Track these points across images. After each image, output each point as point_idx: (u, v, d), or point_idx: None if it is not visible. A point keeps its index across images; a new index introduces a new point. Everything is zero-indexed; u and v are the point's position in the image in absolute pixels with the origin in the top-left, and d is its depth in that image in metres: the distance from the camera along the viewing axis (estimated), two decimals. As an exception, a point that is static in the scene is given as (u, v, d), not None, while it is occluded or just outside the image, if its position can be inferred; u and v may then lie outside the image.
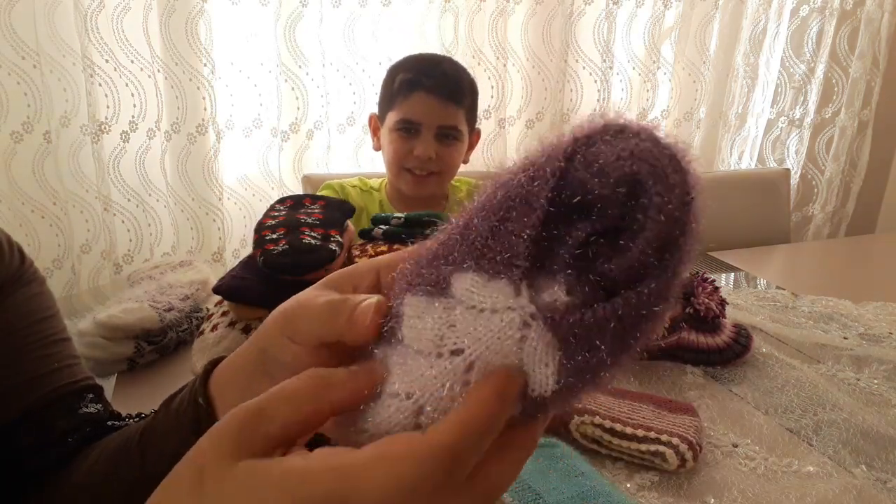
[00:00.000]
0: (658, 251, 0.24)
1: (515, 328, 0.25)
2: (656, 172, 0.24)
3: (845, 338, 1.06)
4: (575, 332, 0.24)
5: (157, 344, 0.97)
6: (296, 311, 0.34)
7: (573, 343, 0.25)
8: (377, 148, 1.38)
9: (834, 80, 2.26)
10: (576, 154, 0.25)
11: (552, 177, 0.25)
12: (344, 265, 0.92)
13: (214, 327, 0.89)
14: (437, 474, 0.24)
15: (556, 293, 0.25)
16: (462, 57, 1.81)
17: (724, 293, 0.98)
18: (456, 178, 1.41)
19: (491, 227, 0.26)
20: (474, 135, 1.37)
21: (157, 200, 1.77)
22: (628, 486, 0.70)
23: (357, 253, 0.93)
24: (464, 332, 0.25)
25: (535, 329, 0.25)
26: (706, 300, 0.94)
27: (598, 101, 1.99)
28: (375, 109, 1.38)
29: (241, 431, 0.26)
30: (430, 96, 1.24)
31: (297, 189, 1.79)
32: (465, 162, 1.38)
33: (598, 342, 0.25)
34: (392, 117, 1.28)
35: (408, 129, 1.26)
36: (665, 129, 0.26)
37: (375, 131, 1.37)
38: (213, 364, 0.44)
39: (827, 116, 2.30)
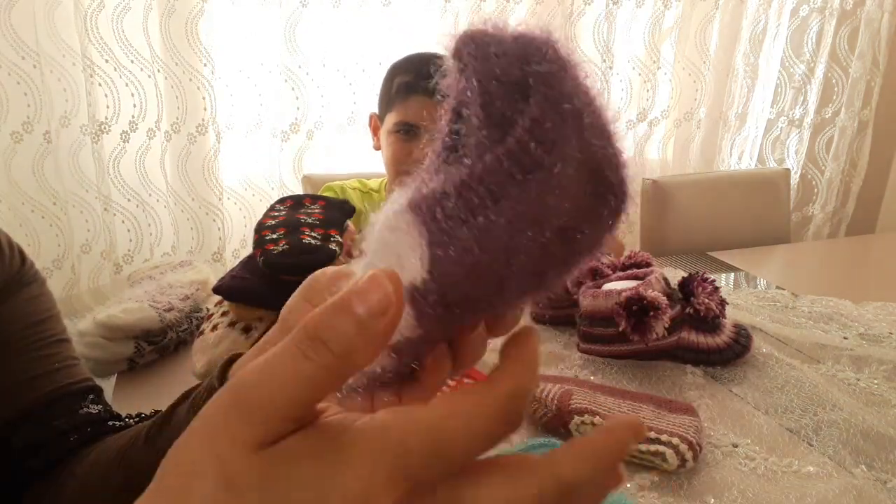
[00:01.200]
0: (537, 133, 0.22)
1: (392, 220, 0.23)
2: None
3: (845, 338, 1.06)
4: (433, 209, 0.22)
5: (157, 344, 0.97)
6: (317, 275, 0.34)
7: (437, 222, 0.22)
8: (377, 147, 1.38)
9: (834, 80, 2.26)
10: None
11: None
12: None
13: (214, 327, 0.89)
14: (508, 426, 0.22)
15: (428, 182, 0.23)
16: (462, 57, 1.81)
17: (724, 293, 0.98)
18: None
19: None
20: None
21: (157, 200, 1.77)
22: (628, 486, 0.70)
23: (357, 253, 0.93)
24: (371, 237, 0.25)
25: (403, 216, 0.23)
26: (706, 300, 0.94)
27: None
28: (375, 108, 1.38)
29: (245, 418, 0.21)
30: (428, 99, 1.24)
31: (297, 189, 1.79)
32: None
33: (463, 219, 0.21)
34: (391, 119, 1.28)
35: (406, 132, 1.26)
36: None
37: (375, 130, 1.37)
38: (234, 358, 0.45)
39: (827, 116, 2.30)
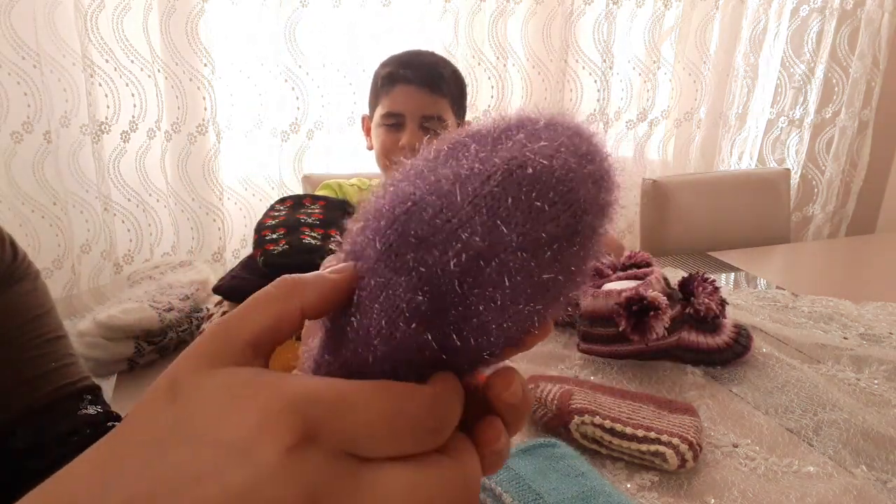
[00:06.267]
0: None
1: None
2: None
3: (845, 338, 1.06)
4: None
5: (157, 344, 0.97)
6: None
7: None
8: (370, 147, 1.38)
9: (834, 80, 2.26)
10: None
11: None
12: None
13: (214, 327, 0.89)
14: (430, 420, 0.23)
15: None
16: (462, 57, 1.81)
17: (724, 293, 0.98)
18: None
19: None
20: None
21: (157, 200, 1.77)
22: (628, 486, 0.70)
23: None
24: None
25: None
26: (706, 300, 0.94)
27: (597, 101, 1.99)
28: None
29: (213, 341, 0.25)
30: (410, 87, 1.24)
31: (297, 189, 1.79)
32: None
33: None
34: (378, 112, 1.29)
35: (393, 123, 1.27)
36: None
37: (368, 131, 1.37)
38: None
39: (827, 116, 2.30)
